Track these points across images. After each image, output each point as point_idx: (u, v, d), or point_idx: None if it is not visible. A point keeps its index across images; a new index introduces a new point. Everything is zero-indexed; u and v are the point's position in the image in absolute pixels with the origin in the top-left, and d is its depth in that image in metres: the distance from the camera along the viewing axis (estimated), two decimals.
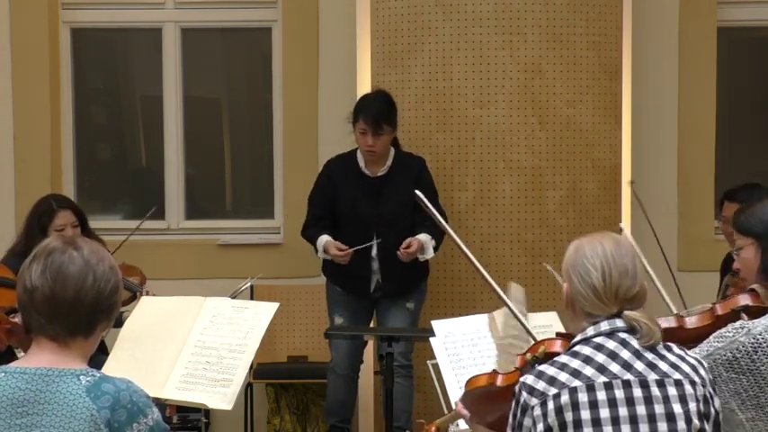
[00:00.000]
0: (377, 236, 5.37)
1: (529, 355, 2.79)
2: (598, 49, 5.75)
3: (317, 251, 5.48)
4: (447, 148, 5.68)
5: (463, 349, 3.63)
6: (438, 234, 5.25)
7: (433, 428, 3.11)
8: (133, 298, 5.11)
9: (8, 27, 6.35)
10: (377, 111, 5.34)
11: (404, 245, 5.27)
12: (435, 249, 5.38)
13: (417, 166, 5.45)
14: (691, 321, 3.38)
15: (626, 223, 6.00)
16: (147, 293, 4.99)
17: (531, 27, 5.64)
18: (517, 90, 5.65)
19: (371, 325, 5.62)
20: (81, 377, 2.38)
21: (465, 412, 2.92)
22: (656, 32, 6.33)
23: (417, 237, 5.30)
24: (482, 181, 5.67)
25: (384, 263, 5.40)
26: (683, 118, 6.40)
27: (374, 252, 5.40)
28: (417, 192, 3.85)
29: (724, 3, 6.47)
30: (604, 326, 2.63)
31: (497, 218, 5.65)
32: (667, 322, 3.40)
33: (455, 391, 3.42)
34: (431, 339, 3.67)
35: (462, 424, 3.14)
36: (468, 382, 2.91)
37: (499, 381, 2.82)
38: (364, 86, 5.89)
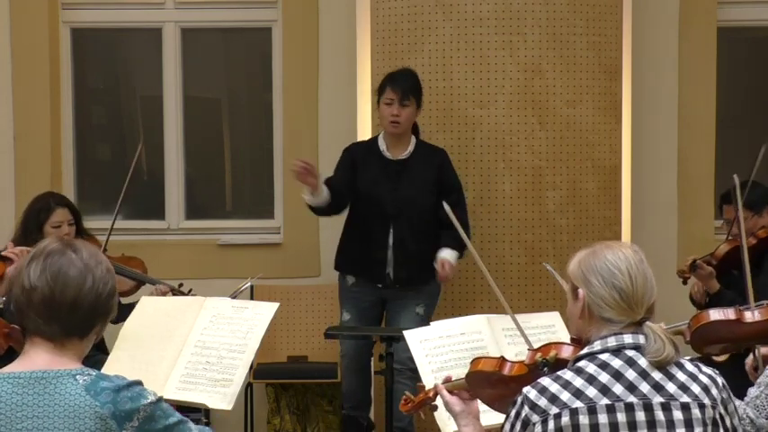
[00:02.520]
0: (394, 219, 5.35)
1: (539, 356, 2.77)
2: (598, 49, 5.75)
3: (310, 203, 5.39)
4: (447, 148, 5.66)
5: (439, 350, 3.65)
6: (461, 242, 5.28)
7: (432, 393, 3.08)
8: (137, 287, 5.19)
9: (8, 27, 6.35)
10: (405, 82, 5.36)
11: (439, 267, 5.31)
12: (460, 256, 5.37)
13: (441, 156, 5.44)
14: (751, 316, 3.32)
15: (626, 223, 6.01)
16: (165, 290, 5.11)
17: (531, 27, 5.64)
18: (517, 90, 5.65)
19: (382, 326, 5.58)
20: (77, 377, 2.39)
21: (454, 402, 2.92)
22: (656, 32, 6.33)
23: (445, 257, 5.30)
24: (482, 181, 5.67)
25: (398, 248, 5.37)
26: (683, 118, 6.39)
27: (390, 239, 5.36)
28: (445, 204, 3.87)
29: (724, 3, 6.47)
30: (611, 341, 2.54)
31: (497, 218, 5.65)
32: (725, 314, 3.35)
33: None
34: (409, 343, 3.68)
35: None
36: (475, 361, 2.90)
37: (506, 370, 2.82)
38: (364, 86, 5.90)
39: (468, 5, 5.63)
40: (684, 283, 5.35)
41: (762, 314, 3.34)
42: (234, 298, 4.15)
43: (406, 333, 3.77)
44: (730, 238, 5.31)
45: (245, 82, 7.07)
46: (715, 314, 3.37)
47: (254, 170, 6.95)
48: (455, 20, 5.65)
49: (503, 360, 2.86)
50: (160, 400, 2.43)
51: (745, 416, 3.06)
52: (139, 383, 2.44)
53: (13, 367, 2.44)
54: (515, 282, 5.63)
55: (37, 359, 2.42)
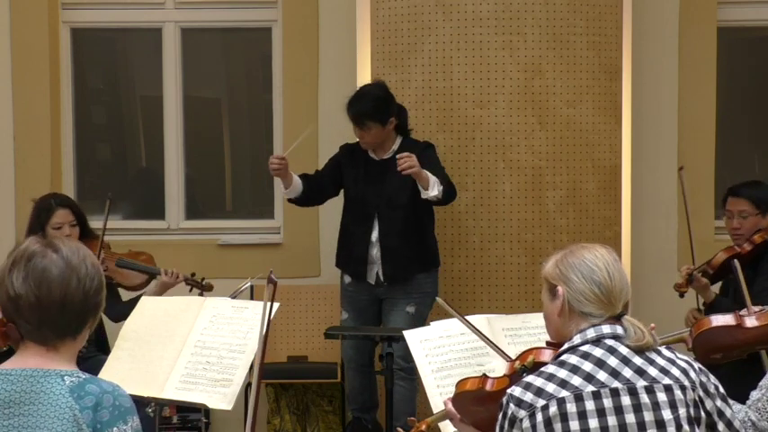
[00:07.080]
0: (378, 218, 5.40)
1: (518, 364, 2.80)
2: (598, 49, 5.75)
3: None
4: (447, 148, 5.68)
5: (439, 350, 3.64)
6: (447, 187, 5.26)
7: (424, 426, 3.10)
8: (149, 280, 5.24)
9: (8, 27, 6.35)
10: (360, 108, 5.37)
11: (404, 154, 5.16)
12: (444, 196, 5.25)
13: (421, 148, 5.37)
14: (751, 321, 3.34)
15: (626, 223, 6.01)
16: (169, 274, 5.21)
17: (531, 27, 5.64)
18: (517, 90, 5.65)
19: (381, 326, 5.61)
20: (65, 377, 2.36)
21: (454, 412, 2.93)
22: (656, 32, 6.33)
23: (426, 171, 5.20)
24: (482, 181, 5.67)
25: (385, 247, 5.40)
26: (683, 118, 6.40)
27: (374, 236, 5.41)
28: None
29: (724, 3, 6.47)
30: (590, 333, 2.62)
31: (497, 218, 5.65)
32: (725, 320, 3.38)
33: (433, 392, 3.44)
34: (409, 343, 3.68)
35: (450, 426, 3.14)
36: (459, 383, 2.93)
37: (488, 386, 2.84)
38: None
39: (468, 5, 5.63)
40: (681, 296, 5.29)
41: (760, 319, 3.35)
42: (234, 298, 4.16)
43: (406, 333, 3.77)
44: (728, 246, 5.26)
45: (245, 82, 7.07)
46: (716, 320, 3.40)
47: (254, 170, 6.95)
48: (455, 20, 5.65)
49: (485, 377, 2.87)
50: (137, 428, 2.38)
51: (746, 419, 3.06)
52: (129, 403, 2.38)
53: (6, 365, 2.43)
54: (515, 282, 5.63)
55: (29, 359, 2.40)
